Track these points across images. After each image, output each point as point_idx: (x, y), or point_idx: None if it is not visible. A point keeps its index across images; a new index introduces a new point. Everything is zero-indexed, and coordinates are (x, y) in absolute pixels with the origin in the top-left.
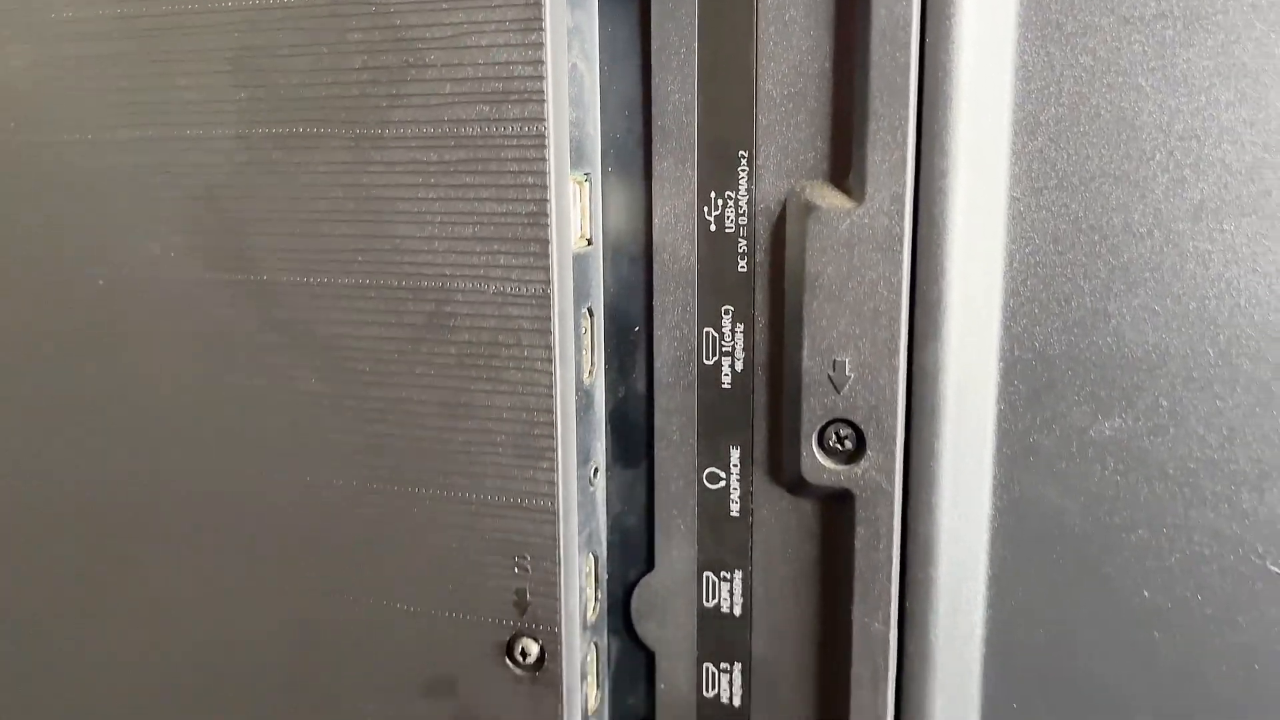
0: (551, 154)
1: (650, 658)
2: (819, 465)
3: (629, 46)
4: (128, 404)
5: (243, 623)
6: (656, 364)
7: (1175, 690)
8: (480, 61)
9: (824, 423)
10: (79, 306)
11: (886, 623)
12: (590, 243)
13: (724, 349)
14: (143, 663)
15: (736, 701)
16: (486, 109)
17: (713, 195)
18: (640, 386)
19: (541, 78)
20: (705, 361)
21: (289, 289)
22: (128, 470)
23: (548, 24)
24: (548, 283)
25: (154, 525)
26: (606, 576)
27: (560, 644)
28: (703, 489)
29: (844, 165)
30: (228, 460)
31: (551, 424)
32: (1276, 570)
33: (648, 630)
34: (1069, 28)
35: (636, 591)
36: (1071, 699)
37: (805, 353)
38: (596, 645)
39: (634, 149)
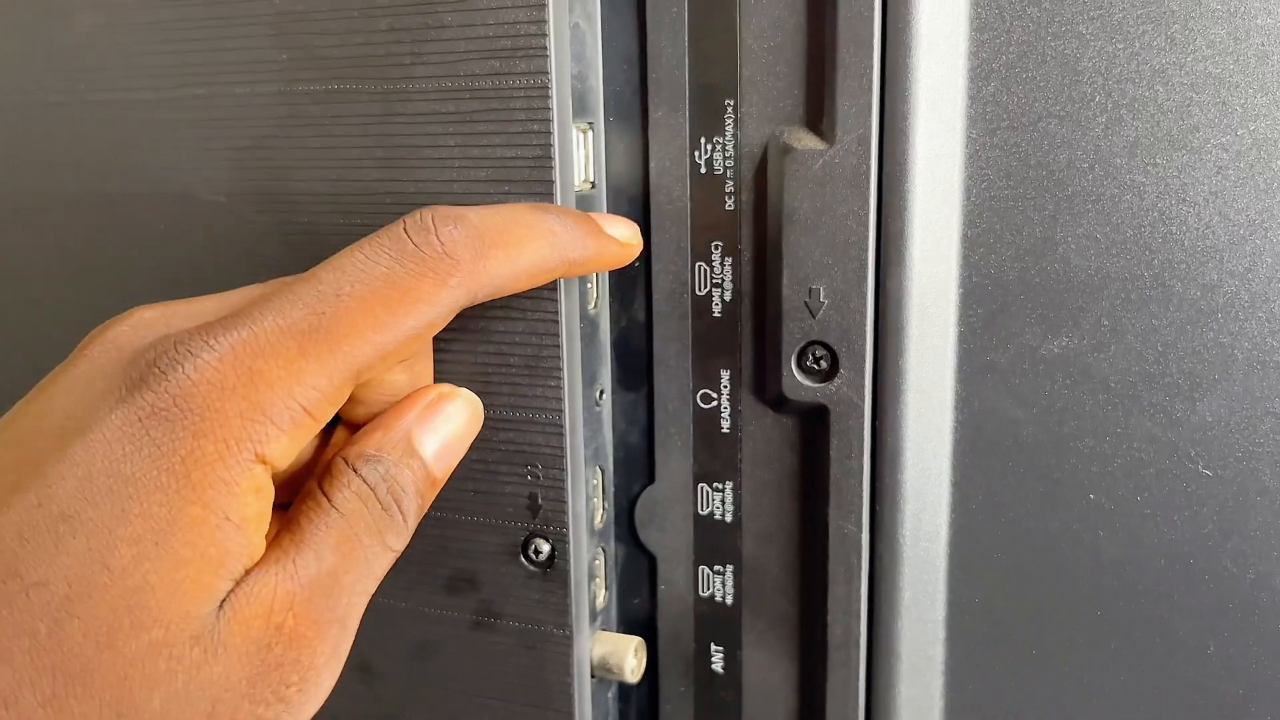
0: (554, 104)
1: (653, 562)
2: (798, 384)
3: (627, 6)
4: None
5: None
6: (654, 295)
7: (1119, 583)
8: (491, 22)
9: (802, 345)
10: (143, 247)
11: (859, 525)
12: (593, 185)
13: (714, 281)
14: None
15: (729, 600)
16: (497, 64)
17: (702, 140)
18: (640, 316)
19: (545, 35)
20: (698, 292)
21: (328, 230)
22: None
23: None
24: None
25: None
26: (613, 489)
27: (568, 543)
28: (697, 408)
29: (818, 111)
30: None
31: (558, 347)
32: (1207, 473)
33: (649, 536)
34: None
35: (639, 502)
36: (1028, 592)
37: (785, 282)
38: (604, 550)
39: (632, 99)
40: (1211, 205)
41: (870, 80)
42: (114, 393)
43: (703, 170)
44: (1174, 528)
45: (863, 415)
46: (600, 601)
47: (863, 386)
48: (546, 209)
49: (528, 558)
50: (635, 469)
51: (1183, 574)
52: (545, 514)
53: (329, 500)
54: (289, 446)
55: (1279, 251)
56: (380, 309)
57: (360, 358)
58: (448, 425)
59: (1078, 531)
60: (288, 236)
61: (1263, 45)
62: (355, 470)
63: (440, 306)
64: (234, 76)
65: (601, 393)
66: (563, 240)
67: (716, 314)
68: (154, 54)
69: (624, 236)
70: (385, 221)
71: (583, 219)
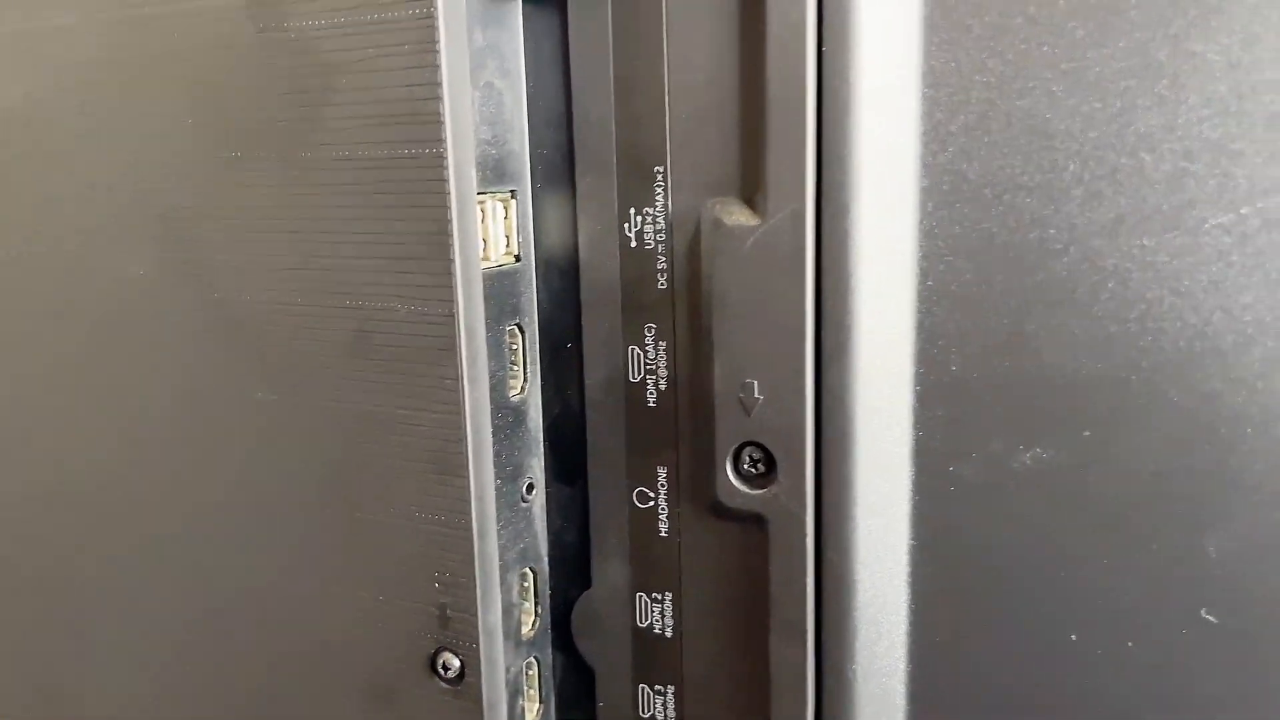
0: (451, 174)
1: (592, 674)
2: (734, 489)
3: (553, 62)
4: (114, 407)
5: (199, 641)
6: (588, 381)
7: None
8: (386, 85)
9: (737, 445)
10: (64, 322)
11: (803, 653)
12: (518, 259)
13: (648, 367)
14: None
15: None
16: (391, 132)
17: (632, 212)
18: (576, 403)
19: (438, 99)
20: (631, 380)
21: (238, 304)
22: (111, 470)
23: (442, 46)
24: (453, 302)
25: (131, 517)
26: (548, 592)
27: (480, 659)
28: (634, 508)
29: (752, 181)
30: (191, 470)
31: (461, 441)
32: (1212, 619)
33: (587, 648)
34: (977, 30)
35: (576, 609)
36: None
37: (717, 373)
38: (537, 659)
39: (561, 165)
40: (1211, 298)
41: (804, 146)
42: None
43: (633, 244)
44: (1172, 682)
45: (804, 528)
46: (531, 716)
47: (804, 495)
48: None
49: (437, 673)
50: (574, 571)
51: None
52: (455, 626)
53: None
54: None
55: None
56: None
57: None
58: None
59: (1058, 678)
60: (205, 312)
61: (1272, 104)
62: None
63: None
64: (149, 143)
65: (530, 487)
66: None
67: (651, 404)
68: (74, 120)
69: None
70: (291, 300)
71: None
